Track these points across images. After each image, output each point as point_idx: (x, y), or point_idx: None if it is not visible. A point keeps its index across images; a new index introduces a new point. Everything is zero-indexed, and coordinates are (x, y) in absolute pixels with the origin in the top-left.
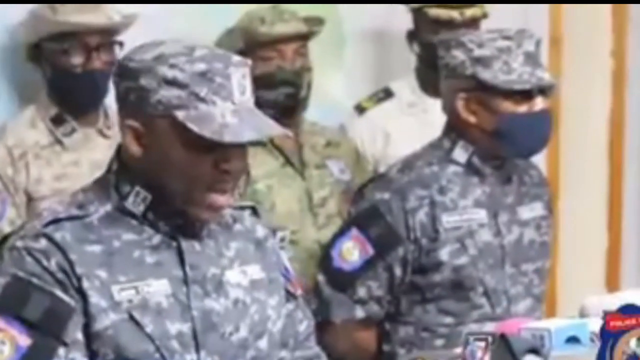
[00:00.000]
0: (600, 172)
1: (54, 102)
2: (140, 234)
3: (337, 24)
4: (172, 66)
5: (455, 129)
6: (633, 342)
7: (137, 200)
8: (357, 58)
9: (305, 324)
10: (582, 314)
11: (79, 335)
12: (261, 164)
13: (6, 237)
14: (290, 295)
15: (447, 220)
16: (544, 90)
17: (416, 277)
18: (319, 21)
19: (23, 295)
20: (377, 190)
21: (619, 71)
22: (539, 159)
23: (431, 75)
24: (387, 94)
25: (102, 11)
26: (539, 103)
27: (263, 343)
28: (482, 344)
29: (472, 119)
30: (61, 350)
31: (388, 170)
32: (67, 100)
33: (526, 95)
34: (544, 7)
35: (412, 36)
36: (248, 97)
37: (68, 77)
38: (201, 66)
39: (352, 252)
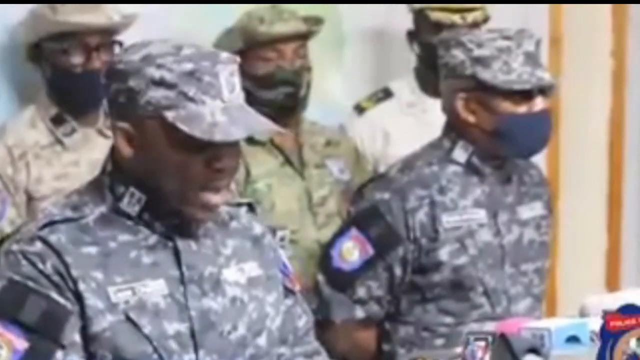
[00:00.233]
0: (600, 172)
1: (54, 102)
2: (136, 234)
3: (337, 24)
4: (160, 66)
5: (455, 128)
6: (633, 342)
7: (131, 201)
8: (357, 58)
9: (304, 320)
10: (583, 314)
11: (77, 338)
12: (261, 163)
13: (6, 237)
14: (288, 291)
15: (447, 220)
16: (543, 91)
17: (416, 277)
18: (318, 21)
19: (19, 298)
20: (377, 190)
21: (619, 71)
22: (539, 159)
23: (431, 75)
24: (387, 93)
25: (102, 11)
26: (539, 103)
27: (262, 340)
28: (482, 343)
29: (471, 119)
30: (59, 353)
31: (388, 170)
32: (67, 100)
33: (526, 95)
34: (544, 7)
35: (412, 36)
36: (237, 94)
37: (68, 77)
38: (188, 65)
39: (351, 252)
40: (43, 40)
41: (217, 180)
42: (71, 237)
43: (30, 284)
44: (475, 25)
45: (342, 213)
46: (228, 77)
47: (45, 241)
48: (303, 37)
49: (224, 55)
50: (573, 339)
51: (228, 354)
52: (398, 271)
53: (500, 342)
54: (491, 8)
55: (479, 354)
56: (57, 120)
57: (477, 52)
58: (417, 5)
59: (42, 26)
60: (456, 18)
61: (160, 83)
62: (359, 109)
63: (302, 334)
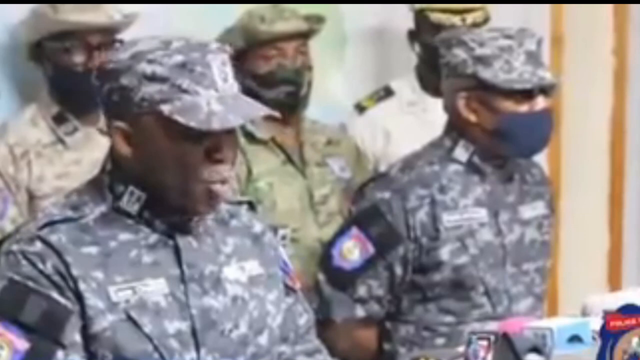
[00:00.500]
0: (602, 171)
1: (55, 101)
2: (136, 233)
3: (338, 23)
4: (150, 61)
5: (456, 128)
6: (634, 342)
7: (131, 200)
8: (358, 57)
9: (305, 318)
10: (584, 313)
11: (77, 338)
12: (262, 162)
13: (7, 236)
14: (289, 289)
15: (448, 219)
16: (545, 90)
17: (417, 276)
18: (319, 19)
19: (20, 299)
20: (378, 190)
21: (621, 70)
22: (540, 159)
23: (431, 75)
24: (388, 92)
25: (103, 10)
26: (540, 102)
27: (263, 339)
28: (485, 343)
29: (472, 118)
30: (59, 353)
31: (389, 170)
32: (68, 99)
33: (527, 94)
34: (546, 6)
35: (413, 36)
36: (231, 84)
37: (69, 76)
38: (179, 58)
39: (352, 251)
40: (44, 39)
41: (219, 171)
42: (71, 237)
43: (31, 284)
44: (476, 26)
45: (344, 211)
46: (220, 66)
47: (45, 241)
48: (304, 36)
49: (214, 45)
50: (575, 339)
51: (229, 353)
52: (399, 270)
53: (502, 342)
54: (492, 7)
55: (482, 353)
56: (58, 119)
57: (479, 51)
58: (418, 6)
59: (43, 25)
60: (456, 20)
61: (153, 78)
62: (360, 108)
63: (303, 332)
